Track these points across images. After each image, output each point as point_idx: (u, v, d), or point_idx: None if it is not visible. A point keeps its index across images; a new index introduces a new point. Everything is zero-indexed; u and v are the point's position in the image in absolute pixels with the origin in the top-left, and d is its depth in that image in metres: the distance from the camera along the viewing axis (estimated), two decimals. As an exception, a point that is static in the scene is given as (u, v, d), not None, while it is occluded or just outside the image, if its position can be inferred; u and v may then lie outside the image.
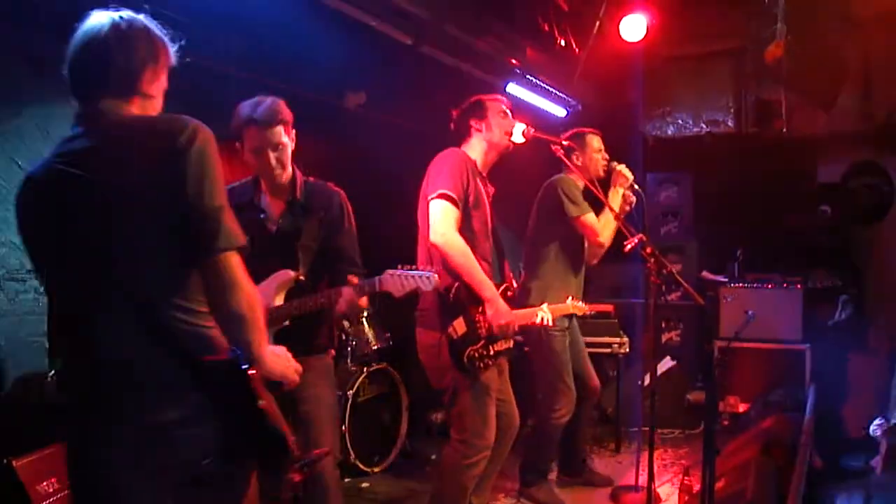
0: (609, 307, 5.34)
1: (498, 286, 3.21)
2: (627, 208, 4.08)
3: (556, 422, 4.09)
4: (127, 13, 1.80)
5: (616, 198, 4.00)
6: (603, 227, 4.01)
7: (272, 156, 2.65)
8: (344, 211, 2.80)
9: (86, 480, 1.75)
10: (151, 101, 1.82)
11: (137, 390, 1.68)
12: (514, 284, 3.42)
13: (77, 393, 1.75)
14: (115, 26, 1.76)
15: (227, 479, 1.79)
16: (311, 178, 2.84)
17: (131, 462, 1.68)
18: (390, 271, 2.58)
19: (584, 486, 4.46)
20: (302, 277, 2.65)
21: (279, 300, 2.63)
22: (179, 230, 1.67)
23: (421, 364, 3.26)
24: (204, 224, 1.68)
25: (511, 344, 3.29)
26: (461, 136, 3.42)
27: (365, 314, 4.80)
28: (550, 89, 5.57)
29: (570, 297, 3.91)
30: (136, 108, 1.79)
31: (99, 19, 1.77)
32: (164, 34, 1.85)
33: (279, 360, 1.92)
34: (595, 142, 4.20)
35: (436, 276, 2.58)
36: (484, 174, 3.39)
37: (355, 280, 2.58)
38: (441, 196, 3.06)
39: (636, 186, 4.02)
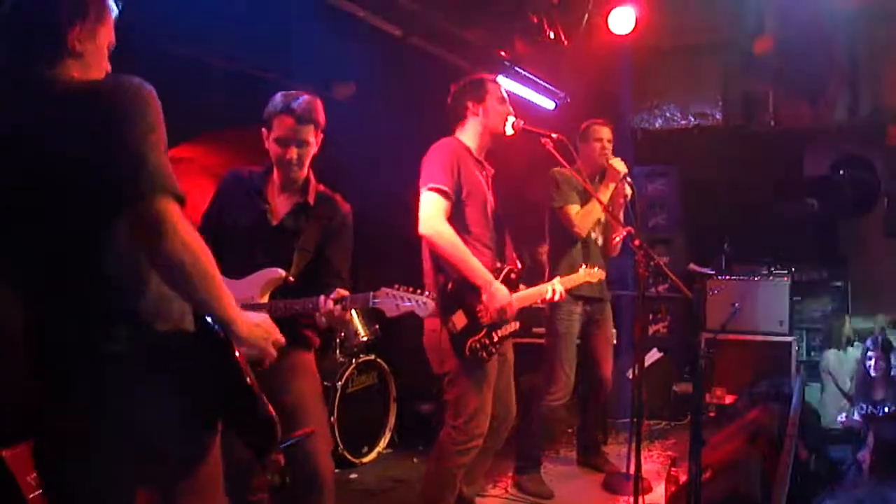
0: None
1: (500, 269, 3.19)
2: (622, 201, 4.10)
3: (548, 404, 4.15)
4: None
5: (607, 191, 4.00)
6: (581, 217, 4.02)
7: (295, 151, 2.65)
8: (346, 225, 2.78)
9: (43, 459, 1.67)
10: (89, 60, 1.62)
11: (92, 367, 1.57)
12: (518, 266, 3.37)
13: (32, 371, 1.63)
14: None
15: (188, 456, 1.69)
16: (322, 187, 2.81)
17: (87, 441, 1.59)
18: (386, 289, 2.50)
19: (588, 474, 4.51)
20: (291, 279, 2.60)
21: (263, 298, 2.57)
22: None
23: (419, 352, 3.24)
24: (124, 168, 1.46)
25: (517, 326, 3.26)
26: (456, 117, 3.31)
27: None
28: (540, 82, 5.55)
29: (583, 266, 3.79)
30: (74, 72, 1.59)
31: None
32: None
33: (257, 329, 1.74)
34: (601, 132, 4.23)
35: (433, 301, 2.52)
36: (480, 158, 3.32)
37: (345, 293, 2.51)
38: (430, 189, 3.06)
39: (629, 180, 4.04)
